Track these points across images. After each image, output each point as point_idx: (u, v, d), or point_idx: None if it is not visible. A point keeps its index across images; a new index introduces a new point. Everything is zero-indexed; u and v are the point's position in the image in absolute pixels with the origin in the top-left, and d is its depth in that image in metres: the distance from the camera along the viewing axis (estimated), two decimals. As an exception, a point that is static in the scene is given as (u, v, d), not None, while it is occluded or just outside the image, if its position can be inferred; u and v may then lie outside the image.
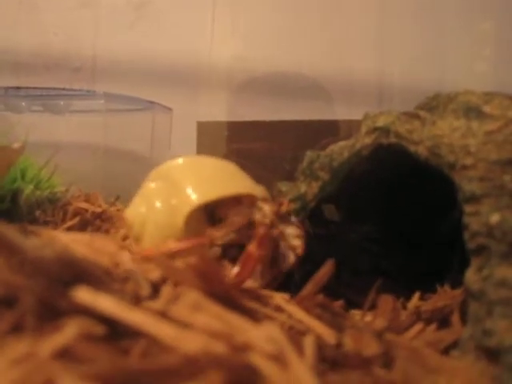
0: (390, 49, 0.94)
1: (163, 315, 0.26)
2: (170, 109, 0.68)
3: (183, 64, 0.90)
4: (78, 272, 0.27)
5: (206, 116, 0.76)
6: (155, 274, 0.32)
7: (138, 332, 0.25)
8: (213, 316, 0.26)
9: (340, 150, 0.47)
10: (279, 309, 0.37)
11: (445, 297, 0.42)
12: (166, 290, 0.30)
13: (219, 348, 0.24)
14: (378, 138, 0.44)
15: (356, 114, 0.97)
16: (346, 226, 0.52)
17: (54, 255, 0.26)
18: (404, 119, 0.43)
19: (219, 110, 0.80)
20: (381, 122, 0.44)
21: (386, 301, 0.38)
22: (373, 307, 0.39)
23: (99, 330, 0.25)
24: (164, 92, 0.78)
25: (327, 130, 0.88)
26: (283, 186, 0.49)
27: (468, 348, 0.33)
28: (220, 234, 0.42)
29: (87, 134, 0.65)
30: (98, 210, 0.52)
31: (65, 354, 0.23)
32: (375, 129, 0.44)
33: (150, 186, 0.46)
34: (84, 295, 0.26)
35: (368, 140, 0.45)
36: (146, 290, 0.29)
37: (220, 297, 0.27)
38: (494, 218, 0.33)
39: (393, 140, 0.43)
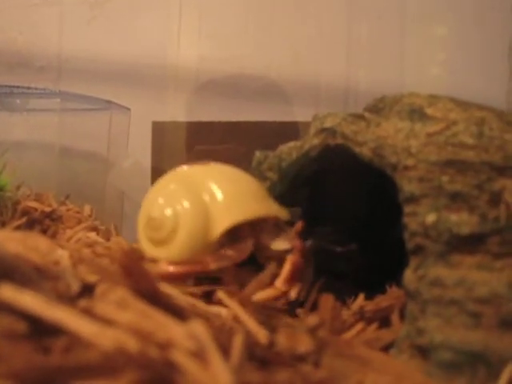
0: (356, 52, 0.95)
1: (87, 312, 0.26)
2: (128, 109, 0.67)
3: (148, 64, 0.90)
4: (5, 269, 0.27)
5: (166, 116, 0.76)
6: (92, 275, 0.32)
7: (60, 329, 0.25)
8: (137, 313, 0.26)
9: (289, 150, 0.47)
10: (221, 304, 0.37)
11: (390, 296, 0.42)
12: (99, 289, 0.29)
13: (135, 345, 0.23)
14: (325, 138, 0.44)
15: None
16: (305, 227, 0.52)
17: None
18: (350, 120, 0.43)
19: (180, 110, 0.80)
20: (328, 123, 0.44)
21: (327, 300, 0.38)
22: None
23: (21, 326, 0.25)
24: (127, 91, 0.78)
25: (291, 132, 0.88)
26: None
27: (404, 346, 0.33)
28: (217, 265, 0.41)
29: (43, 133, 0.64)
30: (48, 209, 0.51)
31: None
32: (323, 130, 0.45)
33: (171, 187, 0.43)
34: (6, 292, 0.26)
35: (316, 141, 0.45)
36: (74, 288, 0.29)
37: (149, 295, 0.27)
38: (430, 218, 0.34)
39: (339, 141, 0.43)
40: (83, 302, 0.26)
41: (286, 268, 0.41)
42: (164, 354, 0.23)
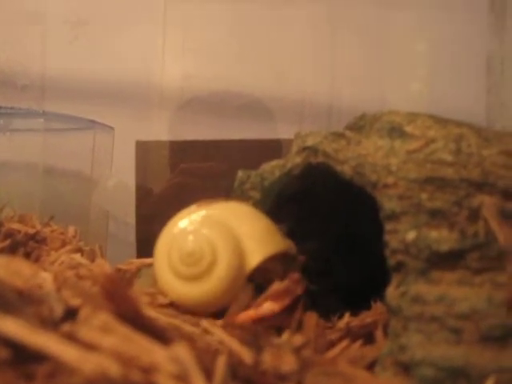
0: (339, 70, 0.96)
1: (71, 337, 0.26)
2: (111, 128, 0.67)
3: (132, 83, 0.90)
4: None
5: (150, 135, 0.76)
6: (75, 298, 0.32)
7: (43, 355, 0.25)
8: (121, 337, 0.26)
9: (271, 169, 0.47)
10: (206, 331, 0.37)
11: (374, 312, 0.42)
12: (83, 313, 0.29)
13: (117, 369, 0.23)
14: (307, 157, 0.45)
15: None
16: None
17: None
18: (331, 139, 0.43)
19: (164, 129, 0.80)
20: (310, 142, 0.45)
21: (311, 318, 0.39)
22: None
23: (3, 353, 0.25)
24: (111, 110, 0.78)
25: (274, 150, 0.88)
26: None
27: (387, 363, 0.33)
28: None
29: (26, 153, 0.64)
30: (32, 231, 0.51)
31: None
32: (305, 148, 0.45)
33: (201, 224, 0.43)
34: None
35: (298, 159, 0.45)
36: (57, 313, 0.29)
37: (132, 319, 0.27)
38: (410, 236, 0.34)
39: (321, 159, 0.44)
40: (66, 327, 0.26)
41: (274, 288, 0.41)
42: (147, 377, 0.24)
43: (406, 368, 0.32)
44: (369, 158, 0.40)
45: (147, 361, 0.24)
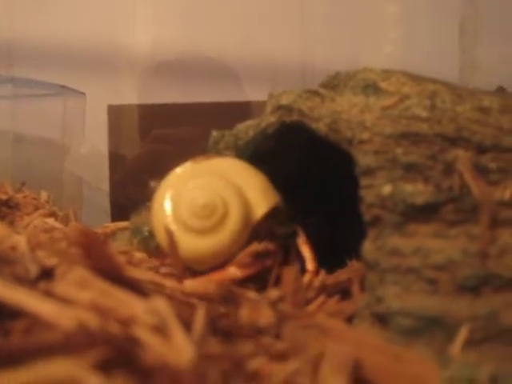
0: (310, 29, 0.95)
1: (47, 294, 0.25)
2: (83, 93, 0.66)
3: (102, 47, 0.88)
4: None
5: (122, 100, 0.75)
6: (52, 259, 0.31)
7: (20, 312, 0.24)
8: (98, 292, 0.25)
9: (245, 128, 0.47)
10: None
11: (349, 270, 0.43)
12: (59, 271, 0.29)
13: (95, 322, 0.23)
14: (281, 116, 0.45)
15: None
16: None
17: None
18: (305, 97, 0.43)
19: (135, 93, 0.79)
20: (284, 100, 0.44)
21: (289, 273, 0.39)
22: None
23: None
24: (81, 75, 0.76)
25: (247, 112, 0.88)
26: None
27: (364, 316, 0.34)
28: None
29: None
30: (4, 196, 0.50)
31: None
32: (279, 107, 0.45)
33: (203, 178, 0.43)
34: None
35: (273, 118, 0.45)
36: (33, 272, 0.28)
37: (109, 274, 0.27)
38: (386, 190, 0.34)
39: (295, 117, 0.43)
40: (43, 285, 0.26)
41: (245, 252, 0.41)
42: (125, 330, 0.23)
43: (382, 319, 0.32)
44: (343, 114, 0.40)
45: (125, 313, 0.24)
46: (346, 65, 0.87)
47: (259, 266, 0.40)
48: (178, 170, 0.44)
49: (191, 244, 0.40)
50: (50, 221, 0.46)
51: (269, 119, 0.46)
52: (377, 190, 0.35)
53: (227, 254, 0.41)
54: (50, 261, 0.31)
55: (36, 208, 0.50)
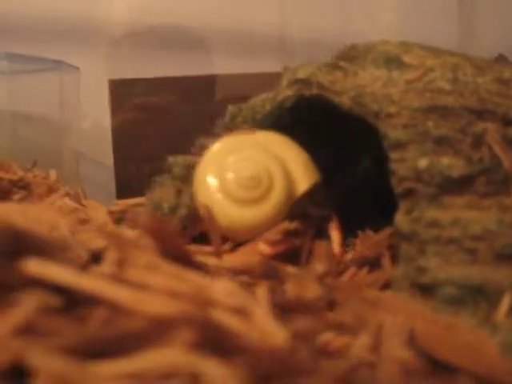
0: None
1: (116, 279, 0.26)
2: (77, 68, 0.64)
3: (77, 19, 0.86)
4: (19, 243, 0.26)
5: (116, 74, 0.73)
6: (98, 242, 0.31)
7: (94, 299, 0.25)
8: (170, 276, 0.26)
9: (262, 102, 0.47)
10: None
11: (368, 243, 0.43)
12: (110, 256, 0.29)
13: (177, 307, 0.24)
14: (299, 89, 0.45)
15: (257, 67, 0.96)
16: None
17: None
18: (325, 70, 0.43)
19: (108, 67, 0.77)
20: (302, 74, 0.44)
21: (320, 248, 0.40)
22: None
23: (56, 301, 0.24)
24: (55, 49, 0.74)
25: (228, 84, 0.87)
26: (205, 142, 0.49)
27: (402, 286, 0.35)
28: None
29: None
30: (15, 177, 0.49)
31: (27, 330, 0.22)
32: (296, 80, 0.45)
33: (247, 151, 0.44)
34: (34, 266, 0.25)
35: (289, 92, 0.45)
36: (83, 257, 0.28)
37: (176, 257, 0.27)
38: (423, 163, 0.35)
39: (315, 91, 0.44)
40: (106, 269, 0.26)
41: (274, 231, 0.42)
42: (207, 313, 0.24)
43: (423, 289, 0.33)
44: (367, 88, 0.41)
45: (204, 297, 0.24)
46: (332, 34, 0.88)
47: (288, 245, 0.41)
48: (218, 144, 0.45)
49: (236, 214, 0.41)
50: (69, 201, 0.45)
51: (285, 92, 0.46)
52: (410, 163, 0.36)
53: (270, 226, 0.42)
54: (95, 244, 0.32)
55: (49, 188, 0.49)
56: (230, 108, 0.48)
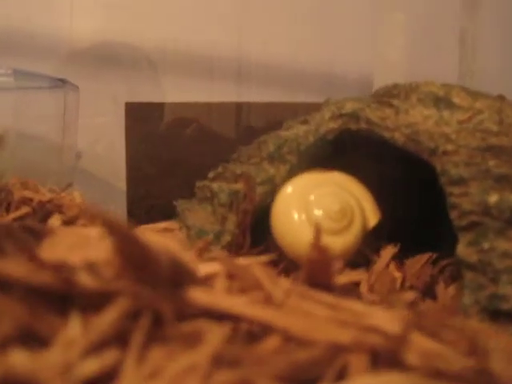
0: (247, 23, 0.97)
1: (285, 308, 0.26)
2: (77, 87, 0.63)
3: (40, 36, 0.84)
4: (178, 272, 0.26)
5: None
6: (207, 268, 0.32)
7: (264, 327, 0.25)
8: (328, 304, 0.27)
9: (305, 134, 0.49)
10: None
11: (413, 271, 0.46)
12: (221, 282, 0.30)
13: (348, 335, 0.25)
14: (345, 123, 0.47)
15: (217, 96, 0.97)
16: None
17: (166, 256, 0.25)
18: (374, 106, 0.46)
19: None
20: (348, 108, 0.47)
21: (384, 276, 0.42)
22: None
23: (227, 329, 0.25)
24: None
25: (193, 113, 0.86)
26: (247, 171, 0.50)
27: (472, 313, 0.38)
28: None
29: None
30: (44, 198, 0.48)
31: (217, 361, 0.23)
32: (341, 115, 0.47)
33: (326, 188, 0.47)
34: (202, 296, 0.26)
35: (333, 125, 0.48)
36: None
37: (324, 285, 0.28)
38: (493, 198, 0.38)
39: (363, 126, 0.46)
40: (278, 297, 0.27)
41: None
42: (375, 341, 0.25)
43: (499, 316, 0.36)
44: (420, 126, 0.44)
45: (367, 324, 0.26)
46: (284, 59, 0.91)
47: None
48: (298, 180, 0.48)
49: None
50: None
51: (328, 125, 0.48)
52: (476, 197, 0.39)
53: (350, 255, 0.44)
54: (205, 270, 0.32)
55: (80, 210, 0.48)
56: (274, 138, 0.49)
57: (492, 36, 0.74)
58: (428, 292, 0.44)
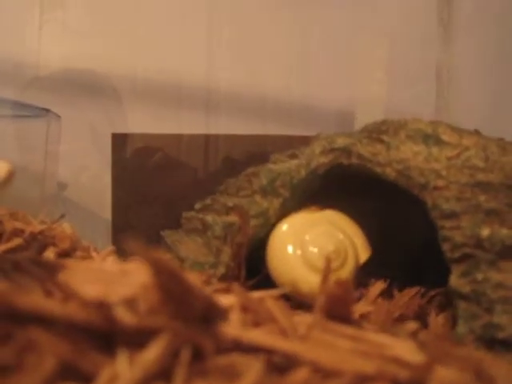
0: (216, 53, 0.98)
1: (306, 341, 0.27)
2: (59, 117, 0.63)
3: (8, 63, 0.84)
4: (210, 306, 0.27)
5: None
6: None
7: (291, 360, 0.26)
8: (346, 336, 0.28)
9: (297, 168, 0.50)
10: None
11: (400, 303, 0.48)
12: (236, 315, 0.30)
13: (373, 367, 0.26)
14: (337, 158, 0.49)
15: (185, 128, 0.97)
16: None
17: (199, 291, 0.26)
18: (365, 142, 0.48)
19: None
20: (339, 143, 0.49)
21: (380, 306, 0.43)
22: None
23: (259, 362, 0.26)
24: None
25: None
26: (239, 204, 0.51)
27: (467, 341, 0.39)
28: None
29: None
30: (36, 229, 0.48)
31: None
32: (332, 149, 0.49)
33: (320, 228, 0.49)
34: (235, 330, 0.26)
35: (324, 159, 0.49)
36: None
37: (342, 317, 0.29)
38: (485, 232, 0.40)
39: (355, 161, 0.48)
40: (303, 331, 0.28)
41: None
42: (399, 371, 0.26)
43: (495, 344, 0.38)
44: (410, 162, 0.45)
45: (391, 354, 0.27)
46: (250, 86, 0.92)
47: None
48: (293, 219, 0.50)
49: (317, 282, 0.43)
50: (111, 259, 0.44)
51: (319, 160, 0.49)
52: (467, 231, 0.41)
53: None
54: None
55: (71, 242, 0.48)
56: (267, 171, 0.50)
57: (466, 68, 0.78)
58: (417, 321, 0.46)
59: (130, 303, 0.25)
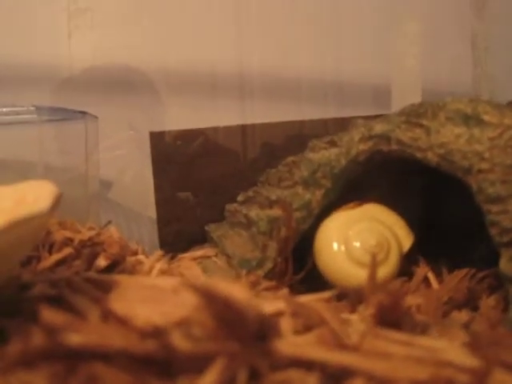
0: (247, 35, 0.97)
1: (359, 350, 0.28)
2: (96, 117, 0.64)
3: (41, 65, 0.84)
4: (262, 324, 0.27)
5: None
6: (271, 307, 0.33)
7: (345, 370, 0.26)
8: (399, 342, 0.28)
9: (337, 157, 0.50)
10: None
11: (450, 285, 0.47)
12: (286, 322, 0.31)
13: (426, 373, 0.26)
14: (376, 144, 0.48)
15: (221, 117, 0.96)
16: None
17: (251, 310, 0.26)
18: (404, 127, 0.47)
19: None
20: (378, 130, 0.48)
21: (429, 295, 0.43)
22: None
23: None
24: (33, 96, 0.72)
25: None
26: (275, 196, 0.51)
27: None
28: None
29: (21, 150, 0.59)
30: (85, 237, 0.49)
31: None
32: (371, 136, 0.48)
33: (362, 223, 0.50)
34: (289, 347, 0.27)
35: (364, 146, 0.49)
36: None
37: (393, 322, 0.29)
38: (533, 215, 0.40)
39: (394, 147, 0.47)
40: (354, 340, 0.28)
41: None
42: (451, 376, 0.26)
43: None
44: (451, 145, 0.45)
45: (444, 360, 0.27)
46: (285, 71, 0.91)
47: None
48: (338, 215, 0.50)
49: (363, 276, 0.44)
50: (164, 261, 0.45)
51: (359, 147, 0.49)
52: (515, 215, 0.40)
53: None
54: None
55: (121, 247, 0.49)
56: (308, 163, 0.50)
57: (502, 35, 0.76)
58: (468, 304, 0.46)
59: (185, 327, 0.25)
